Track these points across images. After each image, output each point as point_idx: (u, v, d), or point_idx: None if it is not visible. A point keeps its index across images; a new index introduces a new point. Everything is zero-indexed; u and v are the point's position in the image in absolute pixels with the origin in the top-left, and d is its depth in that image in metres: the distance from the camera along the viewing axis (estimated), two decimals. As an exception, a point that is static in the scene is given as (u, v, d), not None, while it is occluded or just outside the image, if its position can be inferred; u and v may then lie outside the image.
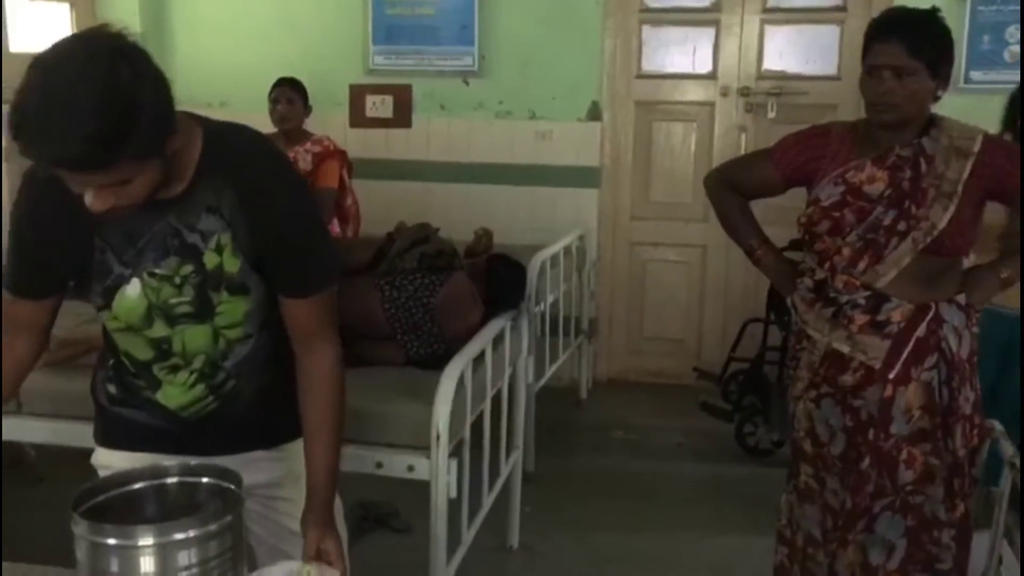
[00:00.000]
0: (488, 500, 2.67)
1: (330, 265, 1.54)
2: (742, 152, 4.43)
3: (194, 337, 1.50)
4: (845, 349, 2.07)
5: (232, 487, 1.41)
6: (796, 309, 2.20)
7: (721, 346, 4.48)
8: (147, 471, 1.44)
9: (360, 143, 4.48)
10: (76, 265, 1.47)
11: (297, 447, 1.60)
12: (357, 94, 4.59)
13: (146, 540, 1.27)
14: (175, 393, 1.54)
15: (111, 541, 1.27)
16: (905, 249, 2.02)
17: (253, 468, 1.58)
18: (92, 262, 1.45)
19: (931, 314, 2.04)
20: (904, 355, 2.04)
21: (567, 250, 4.03)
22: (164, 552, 1.26)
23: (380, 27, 4.57)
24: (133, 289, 1.45)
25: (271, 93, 3.88)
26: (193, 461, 1.45)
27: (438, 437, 2.15)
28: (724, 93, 4.50)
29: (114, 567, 1.27)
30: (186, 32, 4.79)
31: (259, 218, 1.43)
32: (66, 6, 4.50)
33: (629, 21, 4.54)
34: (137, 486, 1.43)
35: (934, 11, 2.07)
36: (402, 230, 2.85)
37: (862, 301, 2.07)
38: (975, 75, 4.02)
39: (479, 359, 2.50)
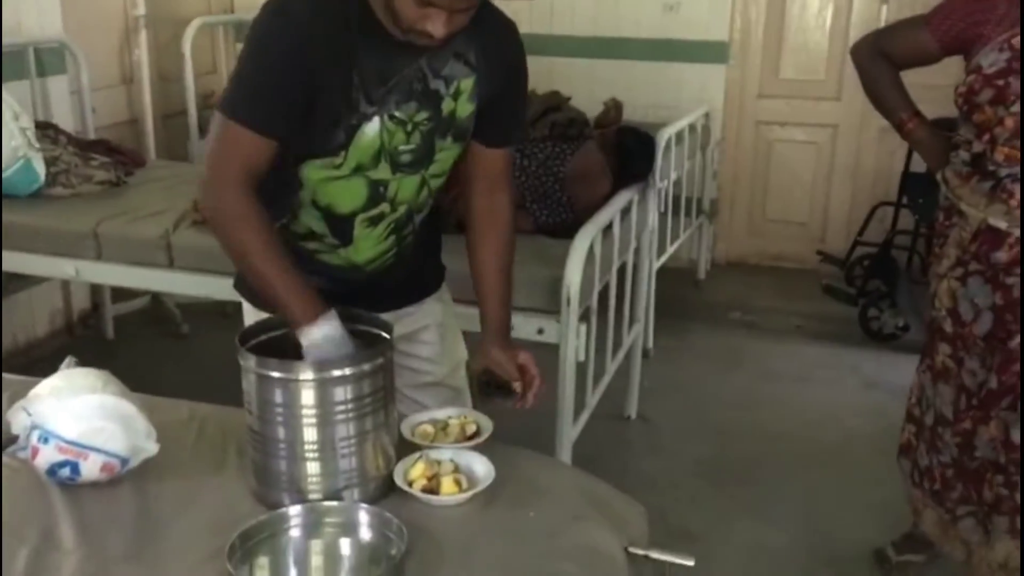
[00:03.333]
0: (611, 368, 2.73)
1: (525, 122, 1.62)
2: (883, 25, 4.20)
3: (407, 185, 1.56)
4: (1003, 224, 1.98)
5: (384, 334, 1.49)
6: (948, 184, 2.11)
7: (846, 231, 4.36)
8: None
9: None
10: (334, 102, 1.44)
11: (433, 300, 1.74)
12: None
13: (307, 375, 1.35)
14: (367, 246, 1.60)
15: (275, 374, 1.36)
16: None
17: (398, 324, 1.65)
18: (349, 99, 1.43)
19: None
20: None
21: (692, 128, 3.94)
22: (323, 387, 1.35)
23: None
24: (372, 128, 1.47)
25: None
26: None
27: (568, 301, 2.19)
28: (863, -36, 4.24)
29: (278, 398, 1.37)
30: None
31: (498, 67, 1.53)
32: None
33: None
34: (296, 329, 1.52)
35: None
36: (532, 97, 2.83)
37: None
38: None
39: (607, 230, 2.51)
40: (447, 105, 1.51)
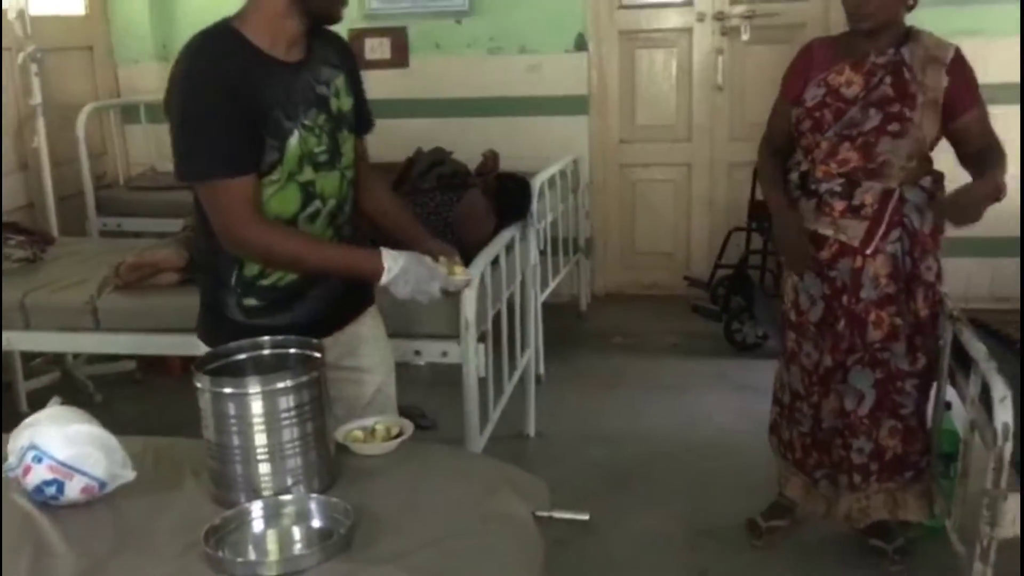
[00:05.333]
0: (509, 386, 3.06)
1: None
2: (719, 74, 4.78)
3: (329, 181, 1.88)
4: (830, 232, 2.41)
5: (314, 353, 1.77)
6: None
7: (708, 255, 4.83)
8: (247, 344, 1.78)
9: (362, 85, 4.76)
10: (267, 127, 1.74)
11: (369, 315, 2.06)
12: (356, 38, 4.84)
13: (255, 388, 1.61)
14: None
15: (228, 390, 1.62)
16: (894, 147, 2.31)
17: (340, 343, 1.96)
18: (270, 121, 1.74)
19: (896, 195, 2.35)
20: (879, 233, 2.36)
21: (562, 174, 4.35)
22: (270, 397, 1.61)
23: (377, -28, 4.84)
24: (294, 139, 1.79)
25: None
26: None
27: (467, 325, 2.52)
28: (700, 19, 4.79)
29: (231, 411, 1.62)
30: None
31: (351, 65, 1.92)
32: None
33: (609, -46, 4.81)
34: (240, 356, 1.78)
35: None
36: (419, 155, 3.17)
37: (838, 188, 2.38)
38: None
39: (495, 263, 2.86)
40: (334, 104, 1.84)
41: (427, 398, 3.41)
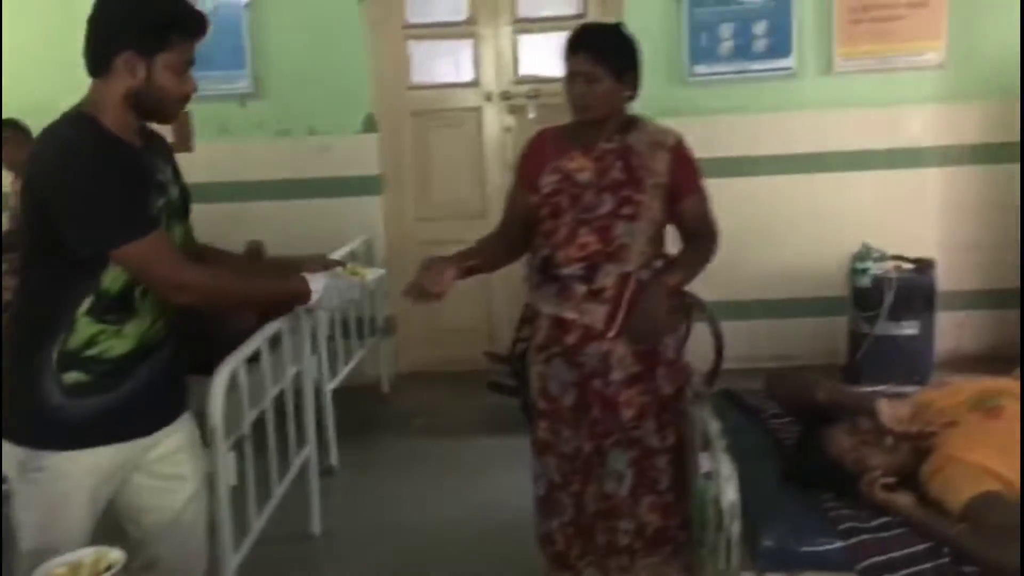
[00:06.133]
0: (278, 491, 2.92)
1: None
2: (509, 151, 4.87)
3: None
4: (575, 316, 2.44)
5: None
6: (529, 292, 2.56)
7: (510, 329, 4.85)
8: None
9: (143, 171, 4.57)
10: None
11: (186, 419, 2.04)
12: (136, 123, 4.68)
13: None
14: (144, 314, 1.86)
15: None
16: (629, 230, 2.38)
17: (159, 446, 1.95)
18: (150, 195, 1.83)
19: (632, 279, 2.42)
20: (619, 316, 2.43)
21: (353, 255, 4.30)
22: None
23: (153, 57, 4.68)
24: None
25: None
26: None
27: (214, 432, 2.38)
28: (488, 98, 4.90)
29: None
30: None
31: (172, 157, 1.99)
32: None
33: (394, 36, 4.86)
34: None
35: (618, 26, 2.47)
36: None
37: (579, 272, 2.42)
38: (698, 69, 4.58)
39: (254, 360, 2.74)
40: (171, 191, 1.91)
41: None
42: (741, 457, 2.11)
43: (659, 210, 2.41)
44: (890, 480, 1.94)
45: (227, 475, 2.40)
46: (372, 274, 2.29)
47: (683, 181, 2.42)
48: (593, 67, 2.34)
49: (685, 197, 2.42)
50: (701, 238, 2.43)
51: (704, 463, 2.52)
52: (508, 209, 2.61)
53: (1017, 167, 4.55)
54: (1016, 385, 2.11)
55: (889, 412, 1.97)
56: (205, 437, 2.31)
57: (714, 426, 2.14)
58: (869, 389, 2.64)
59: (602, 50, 2.36)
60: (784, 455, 2.30)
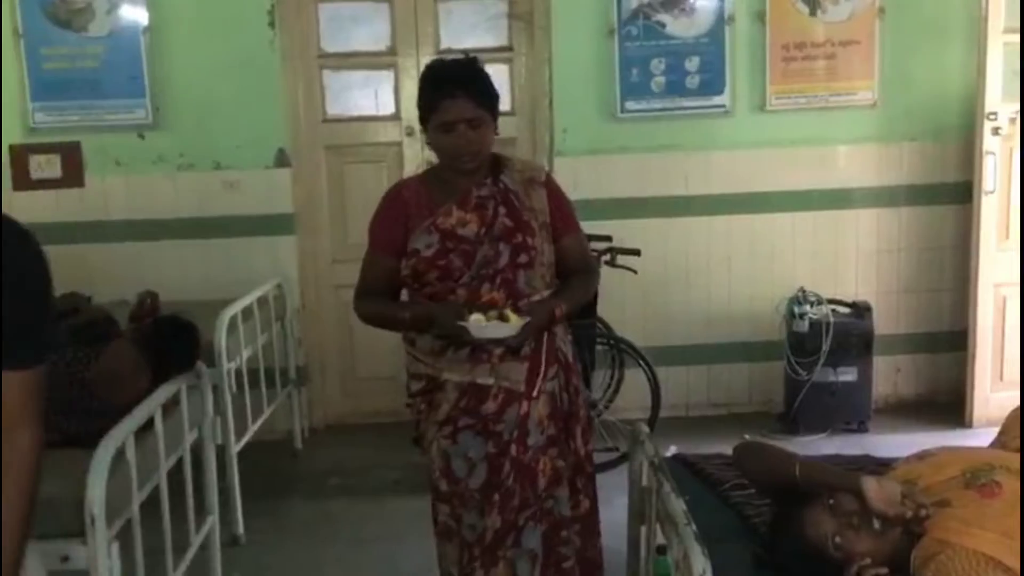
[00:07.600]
0: (179, 571, 2.54)
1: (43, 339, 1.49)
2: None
3: None
4: (490, 381, 2.16)
5: None
6: (422, 360, 2.24)
7: (432, 378, 4.56)
8: None
9: (27, 208, 4.12)
10: None
11: None
12: (18, 155, 4.26)
13: None
14: None
15: None
16: (528, 278, 2.16)
17: None
18: None
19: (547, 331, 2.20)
20: (541, 372, 2.17)
21: (262, 301, 3.95)
22: None
23: (38, 82, 4.28)
24: None
25: None
26: None
27: (93, 520, 2.02)
28: (409, 133, 4.62)
29: None
30: None
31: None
32: None
33: (309, 66, 4.56)
34: None
35: (474, 59, 2.20)
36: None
37: None
38: (629, 104, 4.40)
39: (147, 430, 2.38)
40: None
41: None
42: (704, 536, 1.86)
43: (549, 252, 2.23)
44: (883, 571, 1.71)
45: (110, 571, 2.03)
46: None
47: (562, 218, 2.25)
48: (476, 110, 2.10)
49: (565, 235, 2.26)
50: (583, 274, 2.29)
51: (658, 535, 2.29)
52: (368, 277, 2.30)
53: (949, 208, 4.50)
54: (1009, 457, 1.92)
55: (878, 492, 1.75)
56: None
57: (677, 506, 1.88)
58: (844, 466, 2.39)
59: (480, 91, 2.13)
60: (754, 537, 2.07)
